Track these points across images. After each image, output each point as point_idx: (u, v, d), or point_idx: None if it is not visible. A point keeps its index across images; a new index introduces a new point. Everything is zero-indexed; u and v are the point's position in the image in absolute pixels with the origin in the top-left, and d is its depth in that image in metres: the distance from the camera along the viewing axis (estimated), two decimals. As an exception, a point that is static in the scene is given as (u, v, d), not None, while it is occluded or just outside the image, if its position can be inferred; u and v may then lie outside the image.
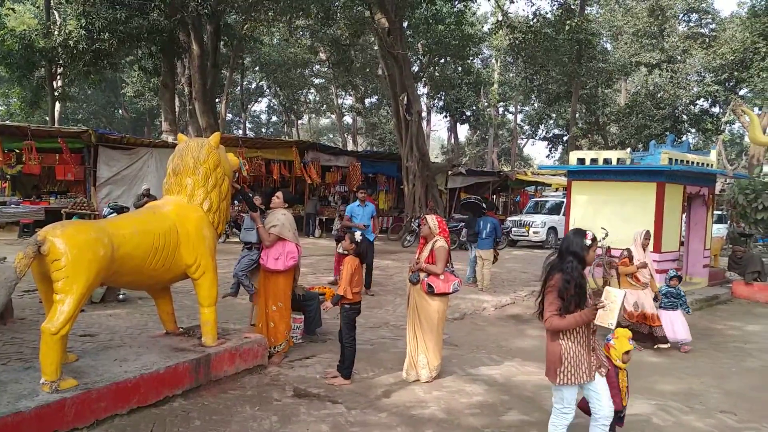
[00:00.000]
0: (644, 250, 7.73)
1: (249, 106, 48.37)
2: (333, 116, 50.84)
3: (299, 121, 51.39)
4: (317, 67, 38.72)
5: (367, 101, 42.17)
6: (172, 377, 4.87)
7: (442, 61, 34.01)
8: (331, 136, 60.18)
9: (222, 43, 24.47)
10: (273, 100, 49.31)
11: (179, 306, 7.77)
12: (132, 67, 31.36)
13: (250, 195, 6.55)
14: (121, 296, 8.67)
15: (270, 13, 21.96)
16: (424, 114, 39.68)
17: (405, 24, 24.23)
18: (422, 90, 38.25)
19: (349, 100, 44.65)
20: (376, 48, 26.15)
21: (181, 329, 5.86)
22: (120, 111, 45.92)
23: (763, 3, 28.35)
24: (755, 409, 5.40)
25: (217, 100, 26.82)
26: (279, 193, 6.33)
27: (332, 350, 6.57)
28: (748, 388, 6.06)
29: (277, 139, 28.01)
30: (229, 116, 46.27)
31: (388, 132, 38.00)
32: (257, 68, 38.89)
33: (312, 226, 19.97)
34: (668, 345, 7.32)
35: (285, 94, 40.91)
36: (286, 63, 34.52)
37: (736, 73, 26.55)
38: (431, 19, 26.54)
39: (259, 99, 49.97)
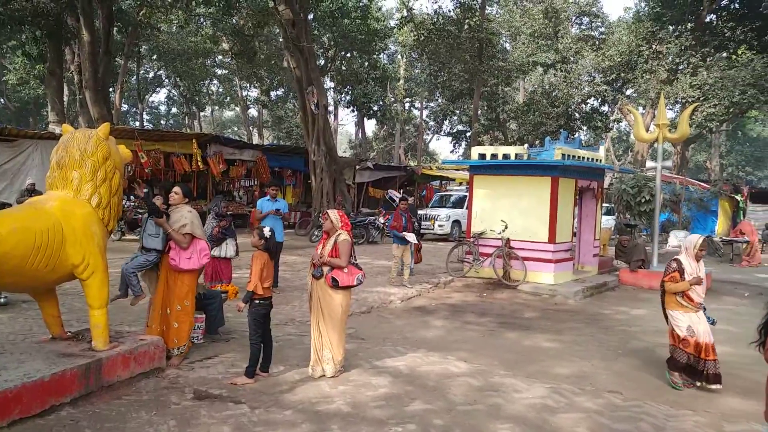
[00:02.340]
0: (698, 261, 6.24)
1: (146, 97, 46.06)
2: (237, 108, 49.51)
3: (201, 113, 49.61)
4: (220, 57, 37.49)
5: (272, 94, 41.39)
6: (58, 385, 4.55)
7: (349, 55, 34.00)
8: (236, 129, 58.60)
9: (115, 29, 23.10)
10: (173, 91, 47.28)
11: (68, 309, 7.28)
12: (15, 53, 28.97)
13: (152, 198, 6.16)
14: (2, 300, 8.00)
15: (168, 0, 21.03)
16: (331, 108, 39.51)
17: (310, 16, 23.96)
18: (329, 84, 38.04)
19: (254, 92, 43.61)
20: (281, 39, 25.68)
21: (69, 333, 5.49)
22: (1, 100, 42.35)
23: (646, 9, 30.54)
24: (639, 387, 5.81)
25: (111, 89, 25.33)
26: (177, 188, 6.08)
27: (236, 349, 6.40)
28: (633, 368, 6.51)
29: (177, 131, 26.87)
30: (125, 107, 43.88)
31: (295, 125, 37.51)
32: (155, 57, 37.06)
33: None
34: (720, 387, 5.77)
35: (185, 85, 39.29)
36: (186, 52, 33.14)
37: (622, 74, 28.38)
38: (337, 12, 26.45)
39: (158, 89, 47.76)
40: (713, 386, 5.76)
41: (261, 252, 5.53)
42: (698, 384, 5.81)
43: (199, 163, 18.31)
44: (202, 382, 5.39)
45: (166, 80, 43.09)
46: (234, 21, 25.23)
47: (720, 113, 24.41)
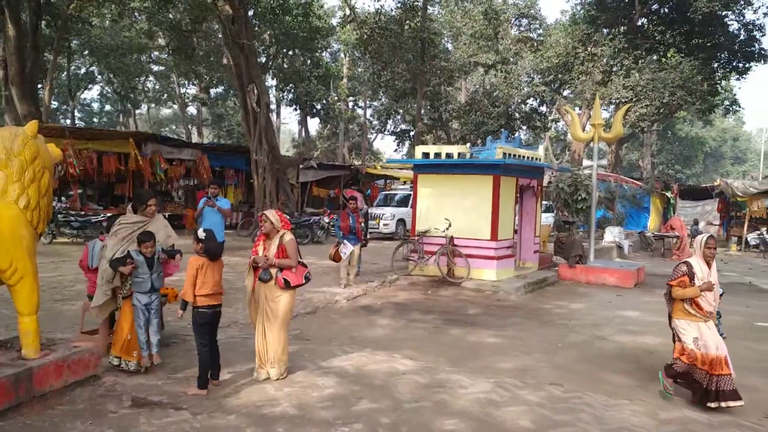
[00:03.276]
0: (709, 265, 5.52)
1: (78, 94, 44.17)
2: (175, 106, 48.15)
3: (137, 111, 47.97)
4: (156, 53, 36.36)
5: (212, 91, 40.48)
6: (-16, 397, 4.28)
7: (291, 52, 33.64)
8: (174, 127, 56.99)
9: (44, 22, 22.03)
10: (106, 88, 45.50)
11: (-6, 316, 6.90)
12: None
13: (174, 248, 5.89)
14: None
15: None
16: (273, 106, 39.01)
17: (251, 12, 23.54)
18: (271, 82, 37.55)
19: (192, 90, 42.50)
20: (220, 35, 25.13)
21: (-5, 342, 5.18)
22: None
23: (581, 12, 31.55)
24: (578, 379, 5.98)
25: (39, 86, 24.14)
26: (152, 201, 5.84)
27: (176, 354, 6.22)
28: (572, 360, 6.70)
29: (111, 129, 25.92)
30: (55, 104, 41.93)
31: (236, 124, 36.85)
32: (86, 52, 35.57)
33: (154, 223, 18.71)
34: (741, 403, 5.10)
35: (120, 82, 37.90)
36: (120, 47, 31.96)
37: (560, 76, 29.20)
38: (278, 9, 26.10)
39: (90, 86, 45.82)
40: (733, 403, 5.05)
41: (196, 257, 5.28)
42: (713, 405, 5.06)
43: (139, 162, 17.68)
44: (141, 388, 5.20)
45: (99, 76, 41.44)
46: (171, 16, 24.50)
47: (651, 113, 25.48)
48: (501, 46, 32.24)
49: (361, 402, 5.08)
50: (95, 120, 51.39)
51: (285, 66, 33.48)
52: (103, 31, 31.76)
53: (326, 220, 18.43)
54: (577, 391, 5.54)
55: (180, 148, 20.26)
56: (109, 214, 14.90)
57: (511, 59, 32.80)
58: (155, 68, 40.78)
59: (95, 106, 53.81)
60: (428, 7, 30.01)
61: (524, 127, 33.76)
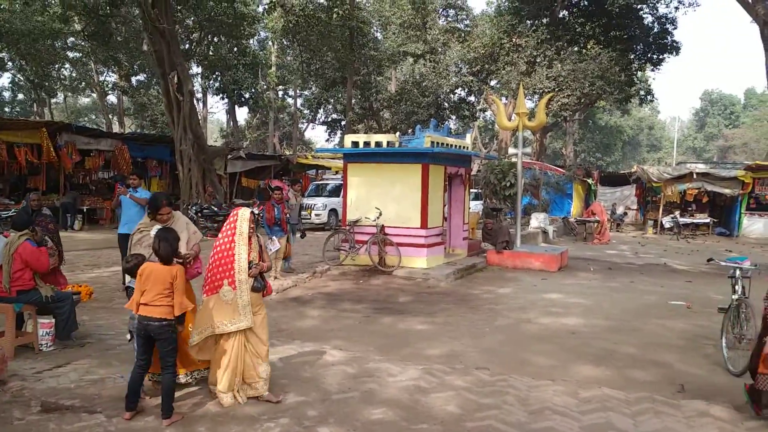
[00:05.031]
0: None
1: (-14, 81, 41.29)
2: (94, 95, 45.78)
3: (53, 100, 45.26)
4: (72, 38, 34.35)
5: (134, 79, 38.71)
6: None
7: (216, 39, 32.62)
8: (94, 117, 54.23)
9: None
10: (18, 76, 42.65)
11: None
12: None
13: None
14: None
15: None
16: (198, 95, 37.82)
17: (172, -3, 22.58)
18: (196, 69, 36.33)
19: (112, 77, 40.50)
20: (140, 20, 24.02)
21: None
22: None
23: (506, 3, 32.19)
24: (504, 362, 6.10)
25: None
26: (164, 209, 5.14)
27: (91, 355, 5.89)
28: (499, 344, 6.84)
29: (22, 119, 24.34)
30: (-40, 92, 39.01)
31: (160, 113, 35.34)
32: (-5, 37, 33.17)
33: (71, 217, 17.77)
34: None
35: (32, 69, 35.56)
36: (31, 32, 29.95)
37: (486, 66, 29.72)
38: (202, -7, 25.23)
39: (0, 73, 42.86)
40: None
41: (178, 266, 4.60)
42: None
43: (51, 154, 16.70)
44: (51, 393, 4.89)
45: (10, 63, 38.75)
46: (86, -1, 23.20)
47: (573, 103, 26.39)
48: (429, 36, 32.46)
49: (288, 396, 4.97)
50: (6, 110, 48.11)
51: (210, 53, 32.42)
52: (13, 15, 29.65)
53: (255, 211, 18.01)
54: (503, 374, 5.64)
55: (98, 139, 19.34)
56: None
57: (440, 49, 33.11)
58: (71, 55, 38.50)
59: (6, 95, 50.34)
60: (356, -5, 29.83)
61: (453, 117, 34.28)
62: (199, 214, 17.13)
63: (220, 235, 4.85)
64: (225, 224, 4.85)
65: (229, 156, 23.15)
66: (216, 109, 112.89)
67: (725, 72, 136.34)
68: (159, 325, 4.42)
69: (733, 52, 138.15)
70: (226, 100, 39.00)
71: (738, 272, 6.07)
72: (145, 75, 38.69)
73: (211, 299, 4.75)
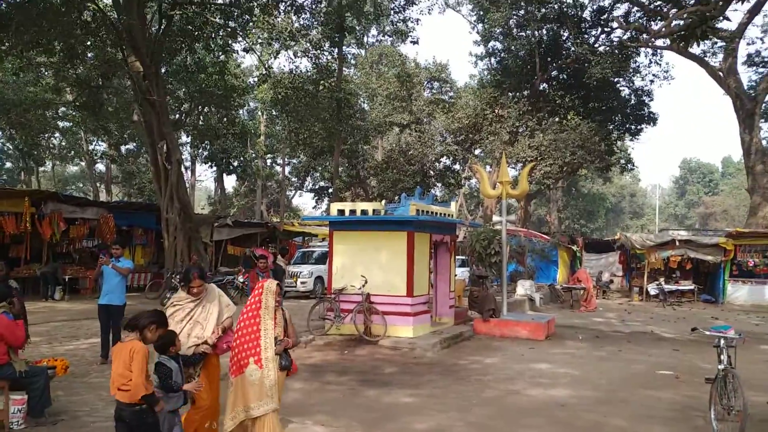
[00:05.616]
0: None
1: (-26, 150, 41.50)
2: (83, 163, 46.07)
3: (41, 168, 45.43)
4: (63, 108, 34.88)
5: (123, 148, 39.14)
6: None
7: (206, 110, 33.30)
8: (81, 185, 54.36)
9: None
10: (7, 144, 42.95)
11: None
12: None
13: None
14: None
15: (2, 47, 19.29)
16: (187, 163, 38.22)
17: (163, 69, 23.22)
18: (185, 138, 36.86)
19: (102, 146, 40.91)
20: (131, 91, 24.53)
21: None
22: None
23: (489, 76, 33.39)
24: (492, 436, 5.95)
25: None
26: (195, 282, 5.05)
27: (64, 433, 5.67)
28: (486, 417, 6.68)
29: (7, 188, 24.28)
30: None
31: (147, 181, 35.57)
32: (-15, 107, 33.59)
33: (52, 287, 17.46)
34: None
35: (22, 138, 35.89)
36: (23, 102, 30.43)
37: (470, 136, 30.50)
38: (193, 66, 25.91)
39: (-11, 141, 43.21)
40: None
41: (136, 342, 4.23)
42: None
43: (27, 224, 16.61)
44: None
45: (0, 132, 39.13)
46: (79, 71, 23.72)
47: (555, 171, 26.94)
48: (415, 107, 33.42)
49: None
50: (-7, 178, 48.15)
51: (200, 123, 33.01)
52: (5, 86, 30.20)
53: (241, 279, 17.88)
54: (490, 450, 5.49)
55: (83, 207, 19.31)
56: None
57: (425, 119, 34.02)
58: (62, 124, 39.01)
59: (-7, 163, 50.51)
60: (344, 68, 30.82)
61: (439, 184, 34.81)
62: (183, 283, 16.91)
63: (244, 309, 4.63)
64: (250, 297, 4.67)
65: (216, 224, 23.16)
66: (204, 177, 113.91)
67: (702, 141, 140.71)
68: (132, 411, 4.07)
69: (709, 122, 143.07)
70: (214, 169, 39.42)
71: (723, 342, 6.06)
72: (134, 144, 39.16)
73: (237, 380, 4.47)
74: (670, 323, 15.76)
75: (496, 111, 28.72)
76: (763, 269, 21.31)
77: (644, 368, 9.61)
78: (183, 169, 22.78)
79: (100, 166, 45.06)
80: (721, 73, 26.84)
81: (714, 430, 5.92)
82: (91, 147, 40.42)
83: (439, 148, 32.17)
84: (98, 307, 9.15)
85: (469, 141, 30.56)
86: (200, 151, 35.87)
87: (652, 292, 22.01)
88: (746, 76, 44.28)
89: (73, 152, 43.31)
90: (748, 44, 33.86)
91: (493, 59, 33.72)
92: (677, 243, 21.79)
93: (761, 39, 60.68)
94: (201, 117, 33.60)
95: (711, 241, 21.80)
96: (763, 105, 28.63)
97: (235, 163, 35.32)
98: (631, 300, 22.63)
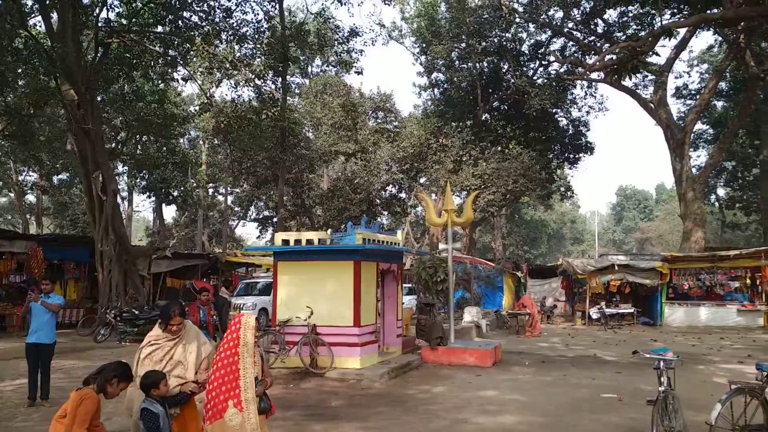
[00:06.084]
0: None
1: None
2: (12, 194, 43.91)
3: (-35, 201, 43.12)
4: (-9, 138, 33.30)
5: (55, 178, 37.57)
6: None
7: (144, 138, 32.45)
8: (10, 217, 51.73)
9: None
10: (-72, 175, 40.58)
11: None
12: None
13: None
14: None
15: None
16: (124, 194, 37.01)
17: (100, 97, 22.54)
18: (121, 168, 35.75)
19: (32, 177, 39.15)
20: (64, 120, 23.67)
21: None
22: None
23: (432, 107, 34.02)
24: (441, 469, 5.79)
25: None
26: (175, 320, 4.74)
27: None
28: (435, 449, 6.52)
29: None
30: None
31: (81, 213, 34.21)
32: None
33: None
34: None
35: (-57, 169, 34.08)
36: (-55, 131, 28.94)
37: (415, 164, 30.83)
38: (131, 95, 25.26)
39: None
40: None
41: (87, 390, 4.01)
42: None
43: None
44: None
45: None
46: (9, 99, 22.74)
47: (498, 199, 27.50)
48: (360, 136, 33.56)
49: None
50: None
51: (138, 152, 32.09)
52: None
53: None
54: (439, 484, 5.32)
55: (11, 240, 18.31)
56: None
57: (370, 148, 34.15)
58: (-12, 154, 37.21)
59: None
60: (288, 97, 30.72)
61: (385, 213, 34.88)
62: (118, 318, 16.18)
63: (220, 348, 4.25)
64: (226, 334, 4.27)
65: (154, 256, 22.35)
66: (142, 207, 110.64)
67: (637, 169, 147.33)
68: None
69: (643, 151, 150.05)
70: (153, 199, 38.31)
71: (662, 364, 6.15)
72: (67, 174, 37.69)
73: (215, 426, 4.05)
74: (612, 346, 16.08)
75: (440, 140, 29.18)
76: (697, 291, 22.18)
77: (589, 392, 9.69)
78: (119, 200, 22.01)
79: (31, 198, 43.06)
80: (652, 105, 28.24)
81: (658, 451, 5.95)
82: (21, 177, 38.62)
83: (384, 176, 32.30)
84: (26, 345, 8.56)
85: (415, 169, 30.84)
86: (138, 180, 34.84)
87: (594, 316, 22.50)
88: (675, 107, 46.76)
89: (1, 183, 41.26)
90: (676, 78, 36.09)
91: (436, 90, 34.47)
92: (616, 267, 22.44)
93: (688, 73, 64.53)
94: (139, 146, 32.72)
95: (648, 265, 22.56)
96: (692, 135, 30.25)
97: (175, 193, 34.51)
98: (574, 324, 23.05)
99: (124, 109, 25.85)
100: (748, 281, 21.62)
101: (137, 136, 30.91)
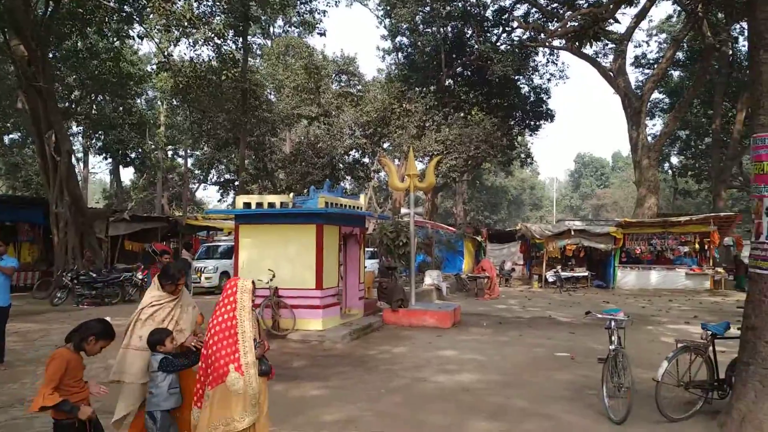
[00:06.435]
0: None
1: None
2: (-41, 155, 42.11)
3: None
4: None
5: (6, 138, 36.10)
6: None
7: (100, 98, 31.36)
8: (-43, 178, 49.70)
9: None
10: None
11: None
12: None
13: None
14: None
15: None
16: (79, 155, 35.93)
17: (52, 54, 21.62)
18: (76, 128, 34.58)
19: (-19, 137, 37.57)
20: (15, 78, 22.67)
21: None
22: None
23: (396, 71, 33.75)
24: (400, 424, 6.01)
25: None
26: (183, 280, 4.86)
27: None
28: (395, 405, 6.74)
29: None
30: None
31: (34, 174, 33.07)
32: None
33: None
34: None
35: None
36: None
37: (379, 129, 30.69)
38: (84, 52, 24.27)
39: None
40: None
41: (61, 350, 3.96)
42: None
43: None
44: None
45: None
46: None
47: (460, 165, 27.71)
48: (323, 99, 33.16)
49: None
50: None
51: (93, 112, 31.02)
52: None
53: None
54: (397, 437, 5.54)
55: (-41, 202, 17.65)
56: None
57: (333, 112, 33.83)
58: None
59: None
60: (249, 59, 30.03)
61: (349, 178, 34.81)
62: (75, 281, 15.91)
63: (216, 311, 4.16)
64: (221, 297, 4.20)
65: (111, 218, 21.89)
66: (98, 169, 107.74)
67: (595, 137, 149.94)
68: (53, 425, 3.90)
69: (601, 119, 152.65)
70: (109, 160, 37.26)
71: (613, 323, 6.45)
72: (19, 133, 36.26)
73: (216, 391, 3.98)
74: (567, 308, 16.66)
75: (404, 105, 29.08)
76: (648, 256, 23.03)
77: (544, 351, 10.08)
78: (74, 161, 21.36)
79: (-20, 158, 41.39)
80: (611, 73, 28.64)
81: (605, 406, 6.28)
82: (-33, 137, 37.03)
83: (348, 141, 32.13)
84: (-22, 310, 8.40)
85: (378, 134, 30.74)
86: (93, 141, 33.74)
87: (550, 279, 23.19)
88: (634, 76, 47.64)
89: (-54, 143, 39.48)
90: (636, 47, 36.85)
91: (400, 54, 34.14)
92: (572, 233, 23.07)
93: (647, 42, 65.47)
94: (94, 105, 31.60)
95: (602, 230, 23.27)
96: (649, 104, 30.89)
97: (133, 155, 33.63)
98: (531, 287, 23.71)
99: (78, 66, 24.85)
100: (696, 246, 22.54)
101: (92, 95, 29.81)
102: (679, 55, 33.22)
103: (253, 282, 4.25)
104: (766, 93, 5.79)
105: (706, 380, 6.38)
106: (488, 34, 31.15)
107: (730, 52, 30.94)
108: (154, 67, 28.35)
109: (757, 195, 5.91)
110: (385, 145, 34.26)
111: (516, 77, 30.72)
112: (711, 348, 6.45)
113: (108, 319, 4.58)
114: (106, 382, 4.44)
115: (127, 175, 48.12)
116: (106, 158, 36.35)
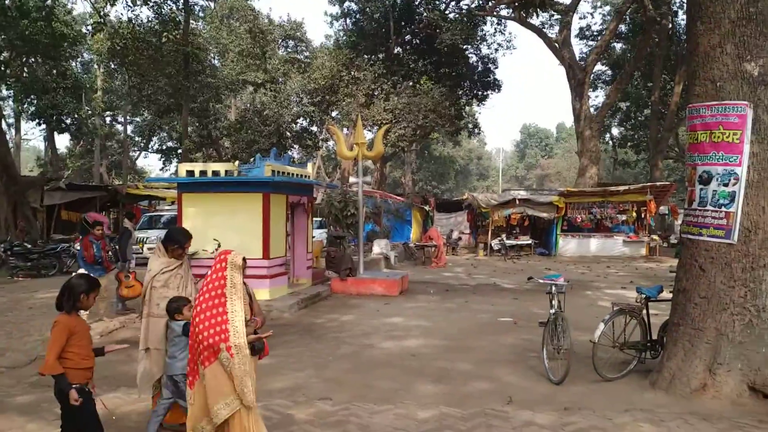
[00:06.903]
0: None
1: None
2: None
3: None
4: None
5: (-72, 101, 33.82)
6: None
7: (32, 60, 29.64)
8: None
9: None
10: None
11: None
12: None
13: None
14: None
15: None
16: (11, 120, 34.06)
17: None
18: (6, 92, 32.68)
19: None
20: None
21: None
22: None
23: (344, 38, 33.23)
24: (348, 390, 6.08)
25: None
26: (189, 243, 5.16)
27: None
28: (343, 372, 6.81)
29: None
30: None
31: (-39, 140, 31.21)
32: None
33: None
34: None
35: None
36: None
37: (327, 97, 30.27)
38: (13, 10, 22.79)
39: None
40: None
41: (61, 316, 3.95)
42: None
43: None
44: None
45: None
46: None
47: (409, 134, 27.72)
48: (269, 65, 32.41)
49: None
50: None
51: (24, 75, 29.32)
52: None
53: (77, 247, 16.40)
54: (345, 403, 5.61)
55: None
56: None
57: (280, 79, 33.16)
58: None
59: None
60: (191, 21, 28.93)
61: (296, 146, 34.35)
62: (9, 253, 15.23)
63: (203, 288, 3.93)
64: (209, 273, 3.96)
65: (47, 187, 20.95)
66: (32, 135, 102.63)
67: (540, 107, 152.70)
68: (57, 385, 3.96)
69: (546, 90, 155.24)
70: (43, 126, 35.44)
71: (554, 288, 6.66)
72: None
73: (207, 371, 3.83)
74: (511, 275, 17.11)
75: (353, 73, 28.73)
76: (588, 224, 23.81)
77: (488, 317, 10.35)
78: (5, 127, 20.21)
79: None
80: (557, 45, 29.04)
81: (546, 367, 6.53)
82: None
83: (295, 108, 31.62)
84: None
85: (326, 102, 30.32)
86: (26, 106, 31.91)
87: (495, 248, 23.72)
88: (578, 48, 48.34)
89: None
90: (581, 18, 37.09)
91: (348, 20, 33.61)
92: (517, 202, 23.57)
93: (591, 14, 66.54)
94: (25, 68, 29.85)
95: (546, 199, 23.87)
96: (592, 75, 31.56)
97: (68, 121, 32.05)
98: (477, 255, 24.20)
99: (6, 26, 23.28)
100: (634, 215, 23.46)
101: (23, 56, 28.08)
102: (622, 27, 33.95)
103: (244, 258, 4.05)
104: (701, 64, 5.99)
105: (640, 341, 6.71)
106: (437, 2, 30.97)
107: (670, 26, 31.80)
108: (90, 27, 26.86)
109: (690, 163, 6.15)
110: (334, 114, 33.88)
111: (464, 46, 30.77)
112: (645, 311, 6.77)
113: (46, 291, 4.46)
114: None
115: (62, 142, 46.01)
116: (39, 124, 34.46)
